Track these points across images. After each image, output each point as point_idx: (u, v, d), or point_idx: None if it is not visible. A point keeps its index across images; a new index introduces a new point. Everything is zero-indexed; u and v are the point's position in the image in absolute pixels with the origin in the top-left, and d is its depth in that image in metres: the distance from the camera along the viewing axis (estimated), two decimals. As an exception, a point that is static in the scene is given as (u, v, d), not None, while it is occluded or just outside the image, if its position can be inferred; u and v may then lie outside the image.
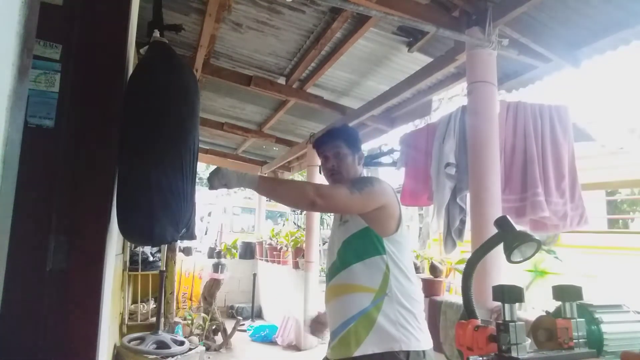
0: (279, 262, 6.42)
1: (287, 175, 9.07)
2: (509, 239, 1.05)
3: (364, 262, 1.48)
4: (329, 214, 15.70)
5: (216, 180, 1.43)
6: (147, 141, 1.58)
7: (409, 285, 1.48)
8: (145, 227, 1.58)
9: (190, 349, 3.29)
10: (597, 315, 1.04)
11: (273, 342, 5.48)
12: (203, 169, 20.34)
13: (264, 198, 8.55)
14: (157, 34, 1.95)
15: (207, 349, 4.78)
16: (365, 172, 1.79)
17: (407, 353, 1.38)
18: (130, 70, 1.76)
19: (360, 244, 1.50)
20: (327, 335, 1.63)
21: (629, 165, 4.44)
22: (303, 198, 1.45)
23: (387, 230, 1.51)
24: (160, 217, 1.58)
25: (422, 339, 1.43)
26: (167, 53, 1.80)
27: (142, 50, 2.00)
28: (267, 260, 6.86)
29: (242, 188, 1.53)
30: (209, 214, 13.17)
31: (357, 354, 1.40)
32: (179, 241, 4.90)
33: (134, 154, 1.56)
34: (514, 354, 0.86)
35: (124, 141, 1.54)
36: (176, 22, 2.24)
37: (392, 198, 1.54)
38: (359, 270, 1.48)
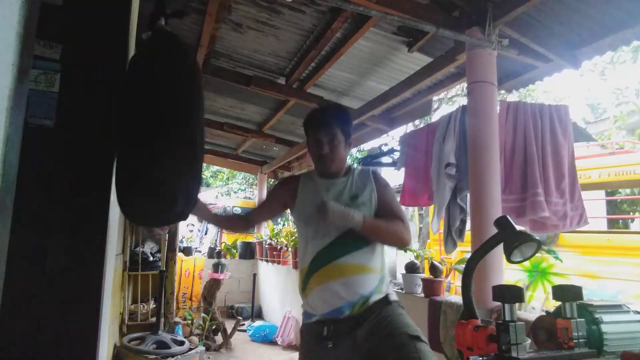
0: (279, 262, 6.41)
1: (287, 175, 9.06)
2: (509, 239, 1.05)
3: (373, 246, 1.64)
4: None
5: (323, 214, 1.52)
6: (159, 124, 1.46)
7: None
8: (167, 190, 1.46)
9: (190, 349, 3.30)
10: (597, 315, 1.04)
11: (273, 342, 5.47)
12: (203, 169, 20.36)
13: (264, 198, 8.55)
14: (162, 21, 1.92)
15: (207, 349, 4.77)
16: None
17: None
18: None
19: None
20: None
21: (629, 165, 4.44)
22: (402, 241, 1.67)
23: None
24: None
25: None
26: (173, 41, 1.74)
27: (144, 35, 1.97)
28: (267, 260, 6.85)
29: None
30: (209, 214, 13.14)
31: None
32: (180, 243, 4.91)
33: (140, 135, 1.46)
34: (514, 354, 0.86)
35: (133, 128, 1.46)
36: (176, 22, 2.23)
37: None
38: (371, 253, 1.63)
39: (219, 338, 5.14)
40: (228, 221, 2.41)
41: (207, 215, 1.80)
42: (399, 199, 1.74)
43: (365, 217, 1.57)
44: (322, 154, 1.65)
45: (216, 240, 10.82)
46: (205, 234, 12.50)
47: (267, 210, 1.95)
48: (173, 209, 1.50)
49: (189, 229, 10.87)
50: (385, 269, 1.69)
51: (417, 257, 3.27)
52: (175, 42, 1.63)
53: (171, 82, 1.51)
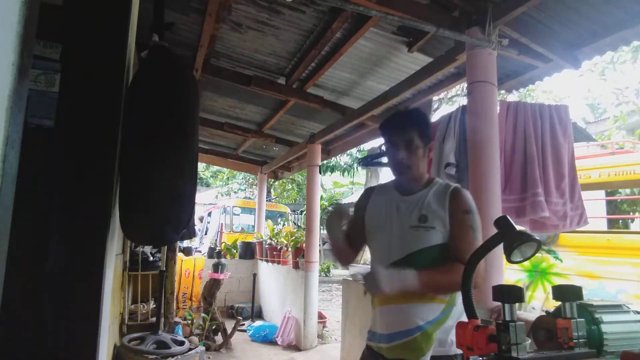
0: (279, 262, 6.41)
1: (287, 175, 9.05)
2: (509, 239, 1.05)
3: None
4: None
5: (372, 285, 1.37)
6: (150, 145, 1.61)
7: None
8: (148, 228, 1.60)
9: (190, 349, 3.29)
10: (597, 315, 1.04)
11: (273, 342, 5.48)
12: (203, 168, 20.38)
13: (264, 198, 8.55)
14: (155, 37, 1.95)
15: (207, 349, 4.78)
16: (366, 172, 1.77)
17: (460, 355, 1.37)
18: (131, 71, 1.76)
19: (441, 257, 1.43)
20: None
21: (629, 165, 4.44)
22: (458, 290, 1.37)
23: None
24: (161, 219, 1.60)
25: None
26: (168, 57, 1.81)
27: (142, 54, 2.00)
28: (267, 260, 6.85)
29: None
30: (209, 214, 13.16)
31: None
32: (179, 242, 4.90)
33: (137, 157, 1.58)
34: (514, 354, 0.86)
35: (127, 145, 1.56)
36: (176, 22, 2.23)
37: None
38: None
39: (219, 338, 5.15)
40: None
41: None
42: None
43: (421, 276, 1.35)
44: (398, 159, 1.49)
45: (216, 240, 10.83)
46: (205, 234, 12.50)
47: (356, 226, 1.67)
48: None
49: (189, 229, 10.84)
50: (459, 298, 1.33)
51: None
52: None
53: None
